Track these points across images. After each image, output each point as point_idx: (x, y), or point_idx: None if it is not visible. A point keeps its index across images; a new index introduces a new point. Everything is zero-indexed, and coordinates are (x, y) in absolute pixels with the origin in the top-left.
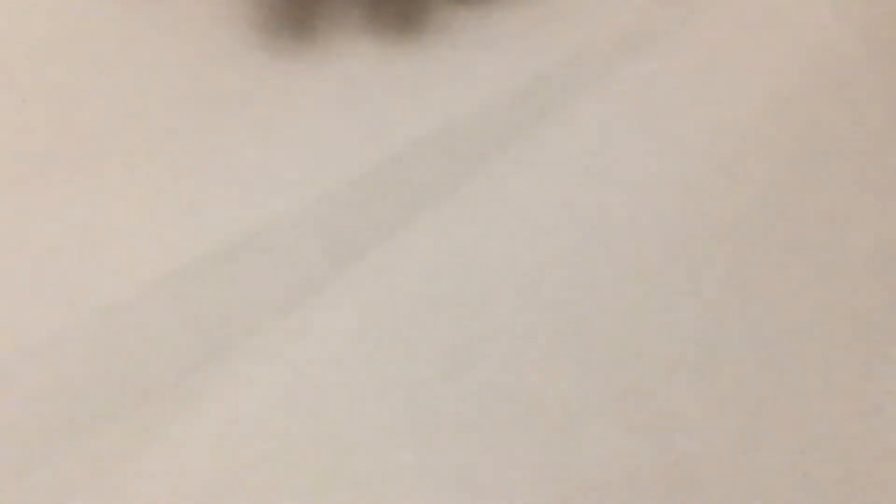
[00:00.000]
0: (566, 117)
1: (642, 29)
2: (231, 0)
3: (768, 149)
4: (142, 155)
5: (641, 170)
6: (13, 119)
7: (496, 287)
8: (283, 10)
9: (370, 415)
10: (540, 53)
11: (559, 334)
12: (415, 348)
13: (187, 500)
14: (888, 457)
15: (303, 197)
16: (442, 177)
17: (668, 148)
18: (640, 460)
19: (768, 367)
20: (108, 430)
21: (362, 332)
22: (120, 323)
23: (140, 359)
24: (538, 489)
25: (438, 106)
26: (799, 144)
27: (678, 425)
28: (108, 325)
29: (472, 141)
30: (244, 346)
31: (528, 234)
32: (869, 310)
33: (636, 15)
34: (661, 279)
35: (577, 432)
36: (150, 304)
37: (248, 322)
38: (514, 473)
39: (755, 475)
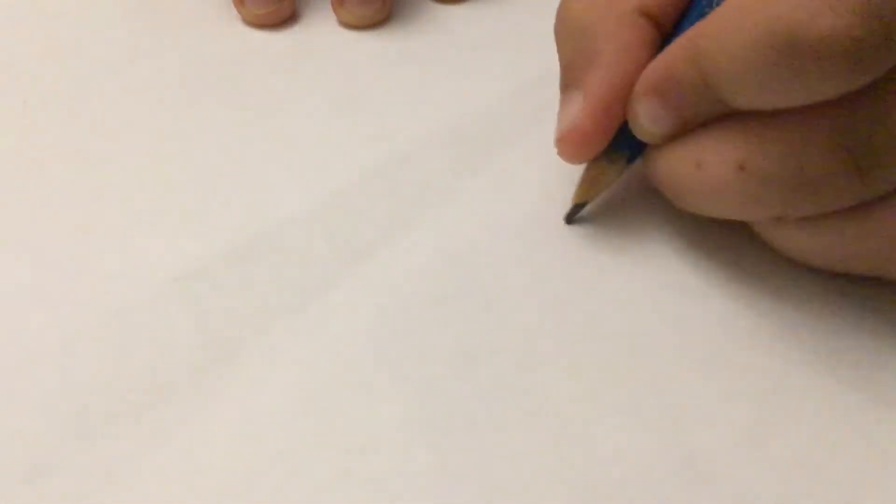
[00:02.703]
0: None
1: None
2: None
3: None
4: (148, 156)
5: (642, 168)
6: (17, 121)
7: (506, 283)
8: None
9: (383, 413)
10: (540, 53)
11: (570, 330)
12: (426, 346)
13: (201, 500)
14: None
15: (310, 197)
16: (448, 174)
17: None
18: (654, 455)
19: (780, 361)
20: (120, 431)
21: (374, 331)
22: (130, 325)
23: (151, 360)
24: (553, 485)
25: (442, 106)
26: None
27: (691, 420)
28: (119, 326)
29: (476, 139)
30: (255, 347)
31: (536, 229)
32: (878, 301)
33: None
34: (671, 272)
35: (591, 428)
36: (159, 306)
37: (258, 322)
38: (529, 469)
39: (769, 469)
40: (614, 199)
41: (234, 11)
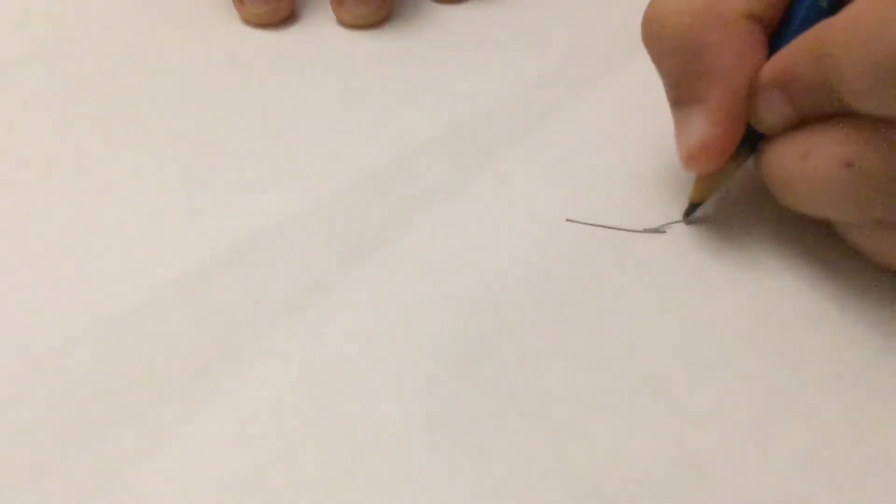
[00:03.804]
0: (568, 115)
1: None
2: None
3: None
4: (148, 157)
5: (642, 167)
6: (17, 121)
7: (505, 283)
8: None
9: (383, 413)
10: (540, 53)
11: (570, 330)
12: (425, 346)
13: (201, 500)
14: None
15: (309, 197)
16: (447, 175)
17: (668, 147)
18: (653, 456)
19: (781, 360)
20: (121, 432)
21: (373, 331)
22: (130, 325)
23: (152, 361)
24: (551, 485)
25: (442, 106)
26: None
27: (692, 420)
28: (119, 327)
29: (476, 139)
30: (255, 347)
31: (535, 229)
32: (878, 301)
33: (636, 15)
34: (671, 273)
35: (590, 428)
36: (159, 307)
37: (258, 323)
38: (528, 469)
39: (769, 469)
40: (619, 200)
41: (234, 11)
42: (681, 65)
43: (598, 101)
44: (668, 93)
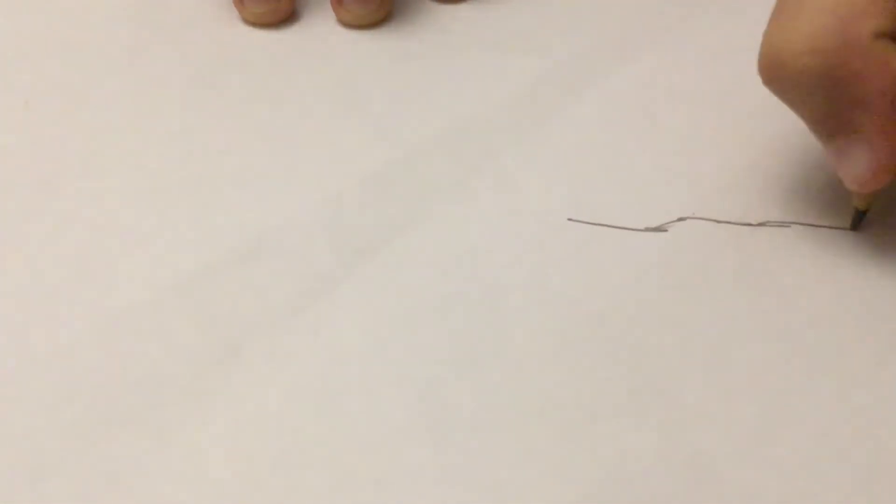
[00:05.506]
0: (568, 115)
1: (642, 29)
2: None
3: (768, 147)
4: (149, 156)
5: (643, 167)
6: (18, 122)
7: (507, 284)
8: None
9: (385, 413)
10: (540, 53)
11: (572, 330)
12: (428, 346)
13: (203, 501)
14: None
15: (312, 198)
16: (448, 175)
17: (669, 146)
18: (655, 456)
19: (783, 360)
20: (123, 432)
21: (375, 332)
22: (134, 326)
23: (154, 361)
24: (553, 485)
25: (443, 106)
26: (802, 138)
27: (693, 420)
28: (122, 327)
29: (478, 139)
30: (258, 348)
31: (537, 229)
32: (880, 301)
33: (636, 15)
34: (672, 272)
35: (592, 429)
36: (161, 307)
37: (261, 323)
38: (530, 470)
39: (771, 469)
40: (621, 199)
41: (234, 11)
42: (826, 102)
43: (599, 101)
44: (814, 129)
